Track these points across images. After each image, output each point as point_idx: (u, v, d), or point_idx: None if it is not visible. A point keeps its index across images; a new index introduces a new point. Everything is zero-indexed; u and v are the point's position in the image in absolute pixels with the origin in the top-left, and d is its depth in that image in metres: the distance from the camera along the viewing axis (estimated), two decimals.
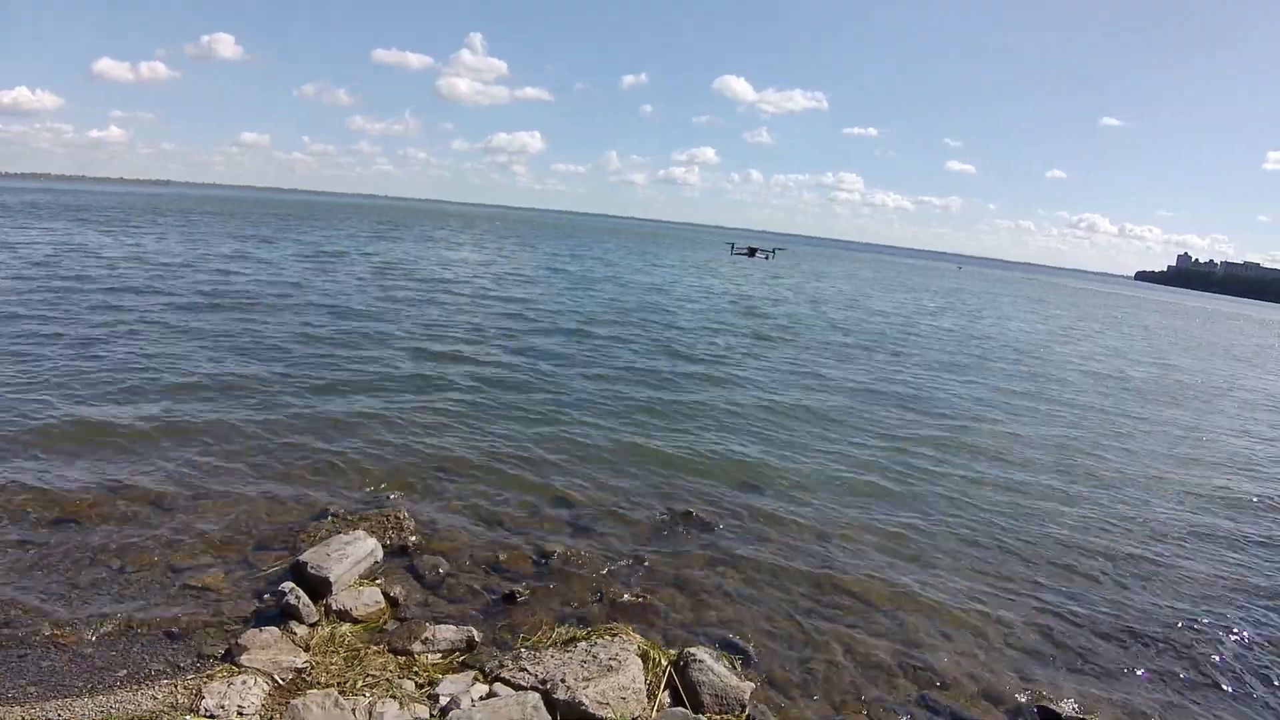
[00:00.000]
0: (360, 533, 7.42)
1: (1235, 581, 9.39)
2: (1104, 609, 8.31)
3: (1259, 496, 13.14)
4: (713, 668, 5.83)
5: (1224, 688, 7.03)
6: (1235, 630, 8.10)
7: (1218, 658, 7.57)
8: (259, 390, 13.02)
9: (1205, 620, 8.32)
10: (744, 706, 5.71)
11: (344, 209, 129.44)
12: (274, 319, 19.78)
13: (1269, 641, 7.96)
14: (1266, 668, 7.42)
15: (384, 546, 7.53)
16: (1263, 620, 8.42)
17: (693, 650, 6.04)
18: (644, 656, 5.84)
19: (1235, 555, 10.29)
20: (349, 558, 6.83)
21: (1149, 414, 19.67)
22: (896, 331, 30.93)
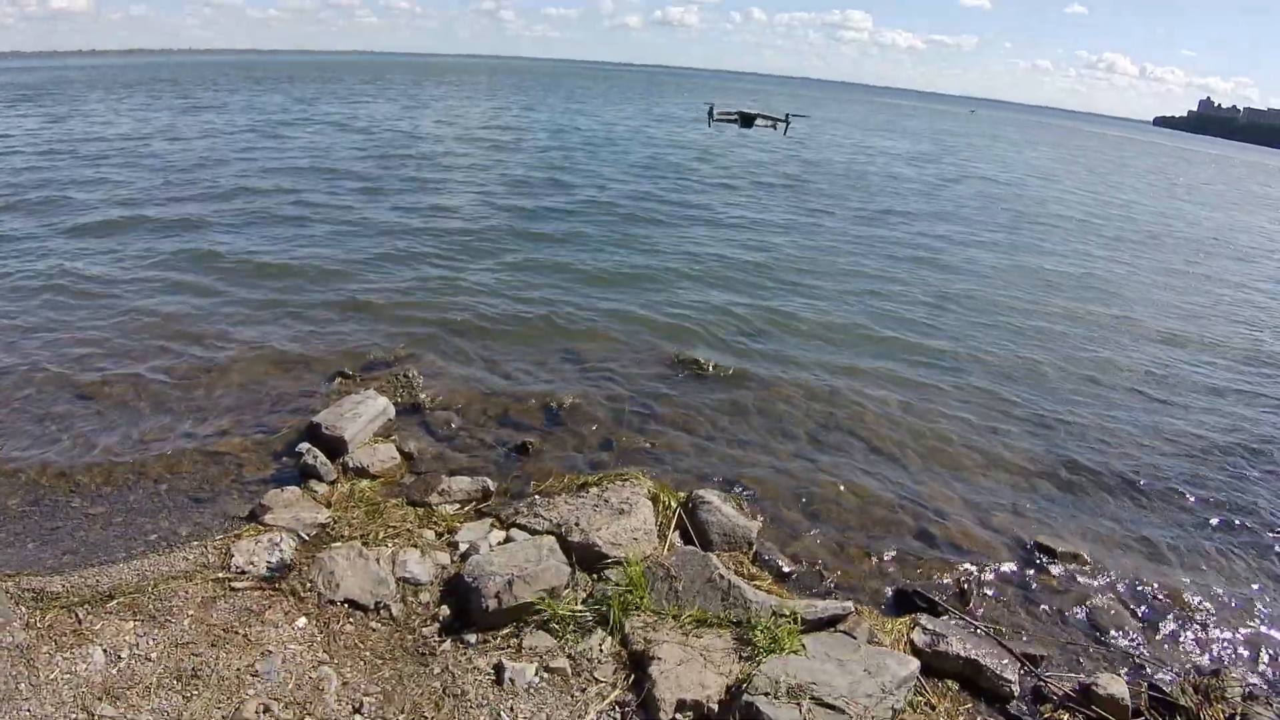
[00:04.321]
0: (371, 392, 7.52)
1: (1229, 432, 9.51)
2: (1107, 451, 8.48)
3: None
4: (721, 508, 6.02)
5: (1226, 534, 7.21)
6: (1239, 478, 8.25)
7: (1209, 498, 7.77)
8: (258, 259, 12.88)
9: (1198, 463, 8.52)
10: (751, 544, 5.94)
11: (320, 68, 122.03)
12: (262, 183, 19.34)
13: (1257, 492, 8.09)
14: (1252, 516, 7.57)
15: (395, 405, 7.65)
16: (1252, 475, 8.47)
17: (701, 492, 6.23)
18: (654, 499, 6.03)
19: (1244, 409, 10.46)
20: (362, 416, 6.94)
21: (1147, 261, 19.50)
22: (916, 187, 30.13)
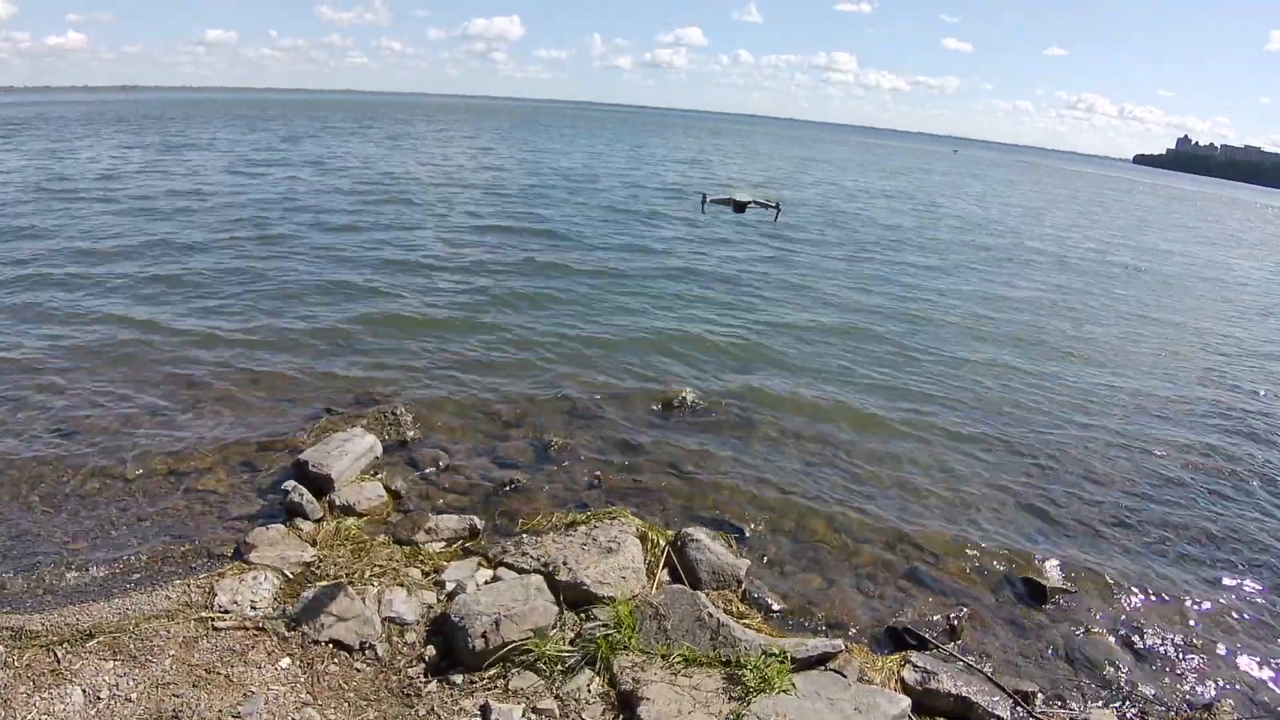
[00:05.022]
0: (359, 429, 7.50)
1: (1211, 464, 9.61)
2: (1093, 488, 8.52)
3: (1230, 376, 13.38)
4: (710, 546, 6.01)
5: (1215, 568, 7.23)
6: (1226, 514, 8.29)
7: (1194, 531, 7.82)
8: (245, 296, 12.88)
9: (1182, 495, 8.59)
10: (740, 582, 5.91)
11: (312, 107, 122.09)
12: (250, 224, 19.20)
13: (1241, 523, 8.19)
14: (1238, 548, 7.63)
15: (383, 442, 7.62)
16: (1236, 505, 8.58)
17: (690, 530, 6.21)
18: (642, 538, 6.01)
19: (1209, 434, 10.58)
20: (349, 454, 6.92)
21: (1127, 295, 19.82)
22: (910, 223, 30.52)
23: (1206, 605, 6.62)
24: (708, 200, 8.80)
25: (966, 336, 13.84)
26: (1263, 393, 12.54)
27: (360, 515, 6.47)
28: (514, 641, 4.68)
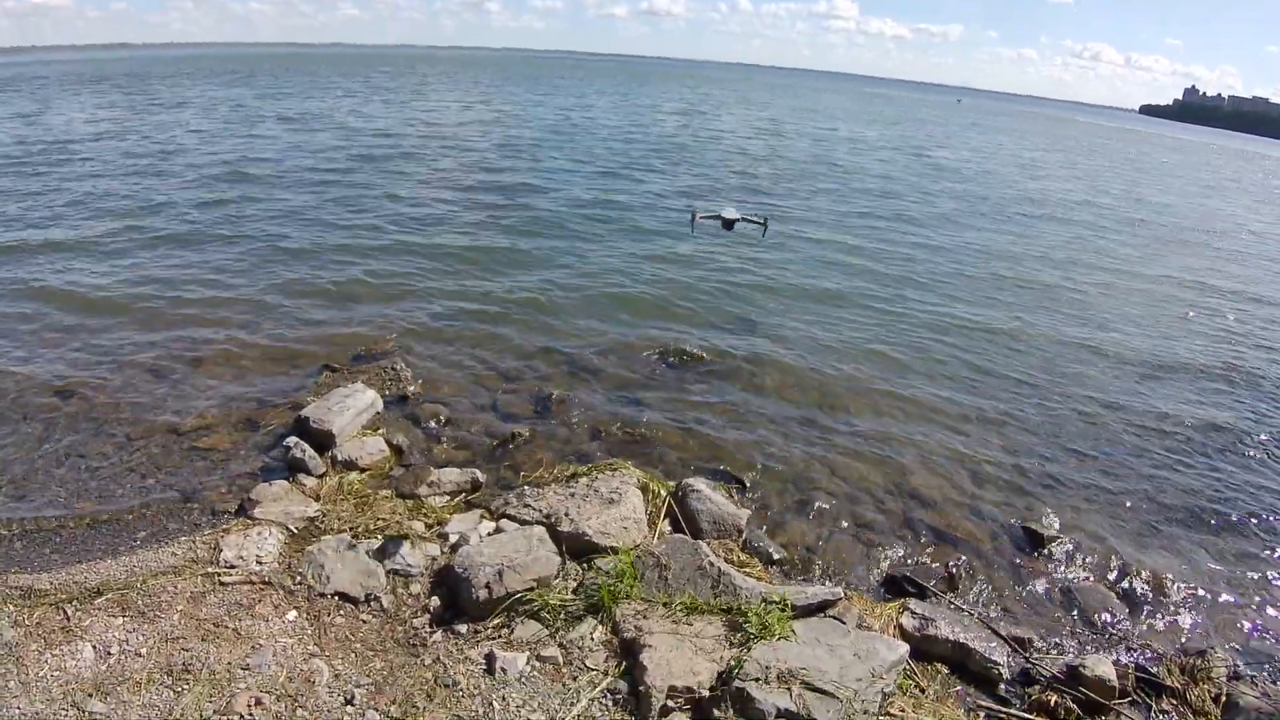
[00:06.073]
0: (359, 385, 7.49)
1: (1203, 415, 9.66)
2: (1091, 439, 8.57)
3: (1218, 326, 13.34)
4: (710, 496, 6.04)
5: (1210, 519, 7.29)
6: (1222, 466, 8.36)
7: (1188, 481, 7.89)
8: (244, 252, 12.81)
9: (1176, 447, 8.64)
10: (741, 531, 5.96)
11: (301, 61, 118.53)
12: (250, 183, 18.92)
13: (1233, 473, 8.26)
14: (1230, 497, 7.70)
15: (383, 397, 7.62)
16: (1227, 456, 8.65)
17: (691, 481, 6.25)
18: (644, 489, 6.04)
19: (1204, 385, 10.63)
20: (350, 409, 6.92)
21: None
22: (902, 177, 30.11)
23: (1200, 554, 6.70)
24: (696, 217, 8.72)
25: (964, 296, 13.69)
26: (1261, 348, 12.53)
27: (362, 470, 6.50)
28: (517, 592, 4.74)
